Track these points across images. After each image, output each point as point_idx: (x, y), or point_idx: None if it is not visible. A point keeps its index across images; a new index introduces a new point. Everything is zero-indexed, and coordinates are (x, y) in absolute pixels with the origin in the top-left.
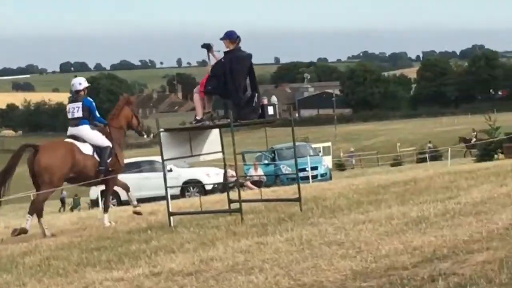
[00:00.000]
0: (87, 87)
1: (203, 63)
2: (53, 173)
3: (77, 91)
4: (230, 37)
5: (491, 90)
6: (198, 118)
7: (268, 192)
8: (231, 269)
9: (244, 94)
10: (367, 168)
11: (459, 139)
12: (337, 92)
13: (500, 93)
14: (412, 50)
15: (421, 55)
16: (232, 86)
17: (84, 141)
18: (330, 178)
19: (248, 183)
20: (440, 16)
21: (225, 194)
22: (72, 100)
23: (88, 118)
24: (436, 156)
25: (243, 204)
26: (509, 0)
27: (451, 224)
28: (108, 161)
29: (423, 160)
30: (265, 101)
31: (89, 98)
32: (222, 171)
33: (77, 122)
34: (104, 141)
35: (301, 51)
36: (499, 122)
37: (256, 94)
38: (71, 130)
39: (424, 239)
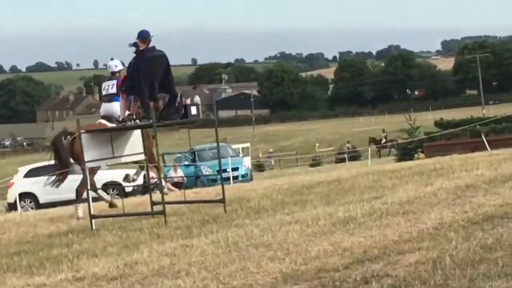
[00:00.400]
0: (121, 70)
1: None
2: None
3: (113, 73)
4: (141, 36)
5: (407, 90)
6: (119, 119)
7: (190, 194)
8: (157, 273)
9: (167, 94)
10: (286, 168)
11: (369, 140)
12: (255, 93)
13: (416, 93)
14: (329, 50)
15: (337, 56)
16: (139, 86)
17: (117, 120)
18: (251, 179)
19: (169, 185)
20: (356, 16)
21: (147, 196)
22: (108, 79)
23: (120, 95)
24: (355, 156)
25: (166, 206)
26: (424, 1)
27: (380, 224)
28: None
29: (342, 160)
30: (188, 101)
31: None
32: (143, 172)
33: (110, 98)
34: None
35: (218, 52)
36: (416, 121)
37: (179, 94)
38: (104, 106)
39: (353, 240)
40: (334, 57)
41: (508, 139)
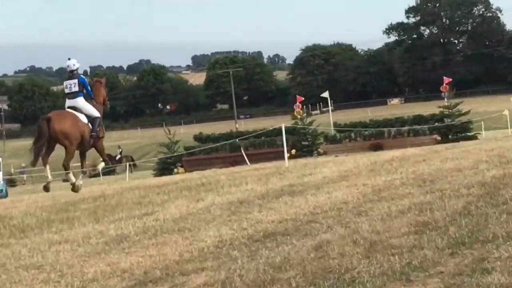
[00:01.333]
0: (79, 67)
1: None
2: (70, 135)
3: (72, 71)
4: None
5: (159, 105)
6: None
7: None
8: None
9: None
10: (39, 183)
11: None
12: (5, 107)
13: (168, 107)
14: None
15: (88, 70)
16: None
17: (81, 112)
18: (7, 195)
19: None
20: (105, 31)
21: None
22: (68, 77)
23: (82, 92)
24: (109, 170)
25: None
26: (170, 16)
27: (156, 243)
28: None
29: (95, 175)
30: None
31: (82, 76)
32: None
33: (74, 95)
34: (95, 112)
35: None
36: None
37: None
38: (69, 102)
39: (131, 260)
40: (85, 72)
41: (268, 153)
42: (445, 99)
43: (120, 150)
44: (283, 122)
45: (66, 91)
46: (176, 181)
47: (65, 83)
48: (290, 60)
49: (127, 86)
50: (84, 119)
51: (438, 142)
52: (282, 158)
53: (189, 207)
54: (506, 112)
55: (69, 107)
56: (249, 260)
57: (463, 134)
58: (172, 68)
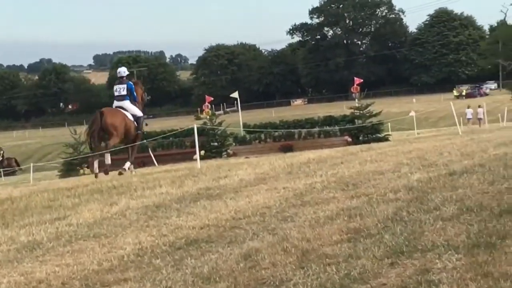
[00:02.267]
0: (128, 74)
1: None
2: (118, 128)
3: (122, 77)
4: None
5: (61, 104)
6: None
7: None
8: None
9: None
10: None
11: None
12: None
13: (70, 106)
14: None
15: None
16: None
17: (127, 111)
18: None
19: None
20: (4, 29)
21: None
22: (118, 82)
23: (129, 96)
24: (12, 171)
25: None
26: (73, 15)
27: (71, 250)
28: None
29: None
30: None
31: (130, 82)
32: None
33: (122, 98)
34: (139, 112)
35: None
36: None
37: None
38: (117, 103)
39: (47, 269)
40: None
41: (176, 154)
42: (356, 100)
43: (2, 152)
44: (186, 122)
45: (116, 93)
46: (86, 183)
47: (115, 87)
48: (193, 60)
49: (28, 85)
50: (130, 117)
51: (349, 144)
52: (191, 159)
53: (103, 211)
54: (412, 114)
55: (117, 107)
56: (175, 270)
57: (374, 136)
58: (73, 68)
